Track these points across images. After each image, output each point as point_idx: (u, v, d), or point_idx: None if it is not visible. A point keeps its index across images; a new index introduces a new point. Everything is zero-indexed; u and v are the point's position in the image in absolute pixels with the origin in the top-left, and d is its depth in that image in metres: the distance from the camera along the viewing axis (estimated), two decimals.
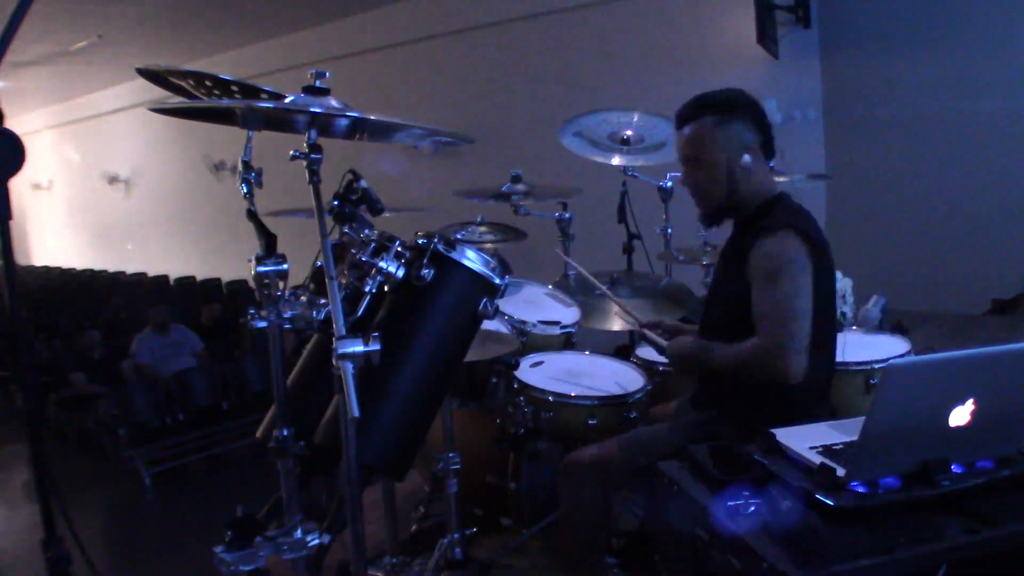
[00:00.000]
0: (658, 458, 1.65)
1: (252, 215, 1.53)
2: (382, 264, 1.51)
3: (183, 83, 1.67)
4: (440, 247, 1.54)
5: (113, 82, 10.89)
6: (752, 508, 1.23)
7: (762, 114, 1.87)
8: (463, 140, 1.91)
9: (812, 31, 5.05)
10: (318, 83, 1.51)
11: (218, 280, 10.37)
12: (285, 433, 1.50)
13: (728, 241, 1.98)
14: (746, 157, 1.82)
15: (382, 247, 1.53)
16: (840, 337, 2.63)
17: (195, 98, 1.69)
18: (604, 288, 2.48)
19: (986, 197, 4.54)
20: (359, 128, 1.68)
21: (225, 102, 1.62)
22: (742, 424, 1.73)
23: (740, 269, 1.79)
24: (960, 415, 1.21)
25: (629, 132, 3.10)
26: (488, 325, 2.42)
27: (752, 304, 1.73)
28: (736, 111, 1.84)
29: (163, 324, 6.22)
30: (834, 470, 1.22)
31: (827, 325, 1.81)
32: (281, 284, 1.49)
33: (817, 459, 1.28)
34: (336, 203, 1.57)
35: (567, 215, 3.32)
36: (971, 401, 1.21)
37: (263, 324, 1.50)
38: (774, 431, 1.41)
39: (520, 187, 3.16)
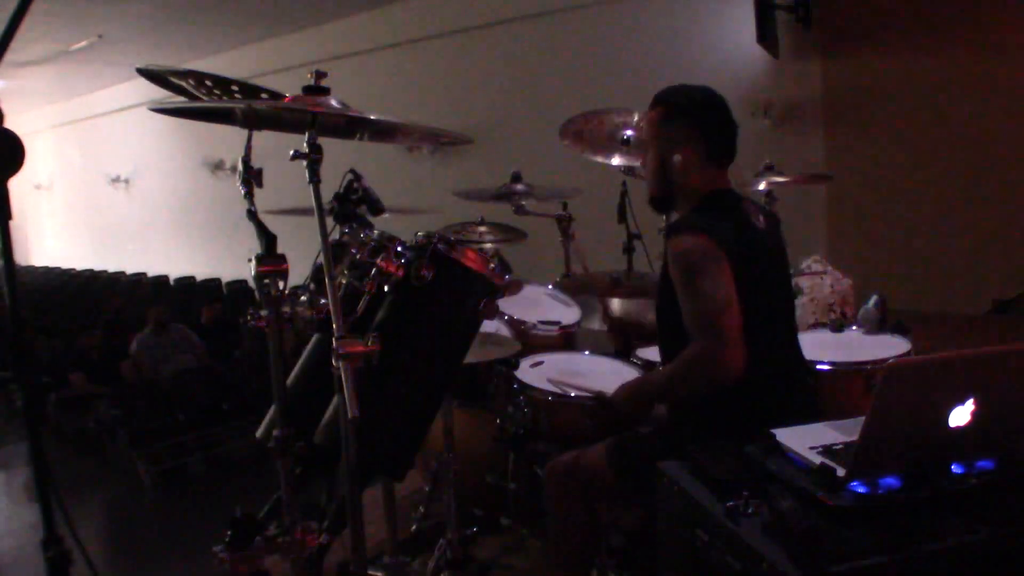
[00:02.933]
0: (642, 463, 1.65)
1: (252, 215, 1.53)
2: (382, 264, 1.51)
3: (183, 83, 1.67)
4: (440, 247, 1.54)
5: (113, 82, 10.89)
6: (752, 508, 1.23)
7: (715, 121, 1.89)
8: (463, 140, 1.91)
9: (812, 31, 5.05)
10: (318, 83, 1.51)
11: (218, 280, 10.37)
12: (285, 433, 1.50)
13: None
14: (676, 157, 1.86)
15: (382, 247, 1.54)
16: (840, 337, 2.66)
17: (195, 98, 1.70)
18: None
19: (986, 197, 4.54)
20: (359, 128, 1.69)
21: (225, 102, 1.62)
22: (718, 428, 1.70)
23: (665, 268, 1.84)
24: (960, 415, 1.21)
25: (629, 132, 3.10)
26: (488, 325, 2.43)
27: (681, 303, 1.75)
28: (683, 113, 1.89)
29: (163, 324, 6.22)
30: (834, 470, 1.22)
31: (763, 315, 1.79)
32: (281, 284, 1.49)
33: (817, 459, 1.28)
34: (336, 203, 1.58)
35: (567, 215, 3.32)
36: (971, 401, 1.20)
37: (263, 324, 1.50)
38: (774, 431, 1.41)
39: (520, 187, 3.16)
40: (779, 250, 1.94)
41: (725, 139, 1.90)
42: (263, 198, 1.57)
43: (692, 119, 1.88)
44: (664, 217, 3.28)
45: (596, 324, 2.91)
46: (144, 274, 11.82)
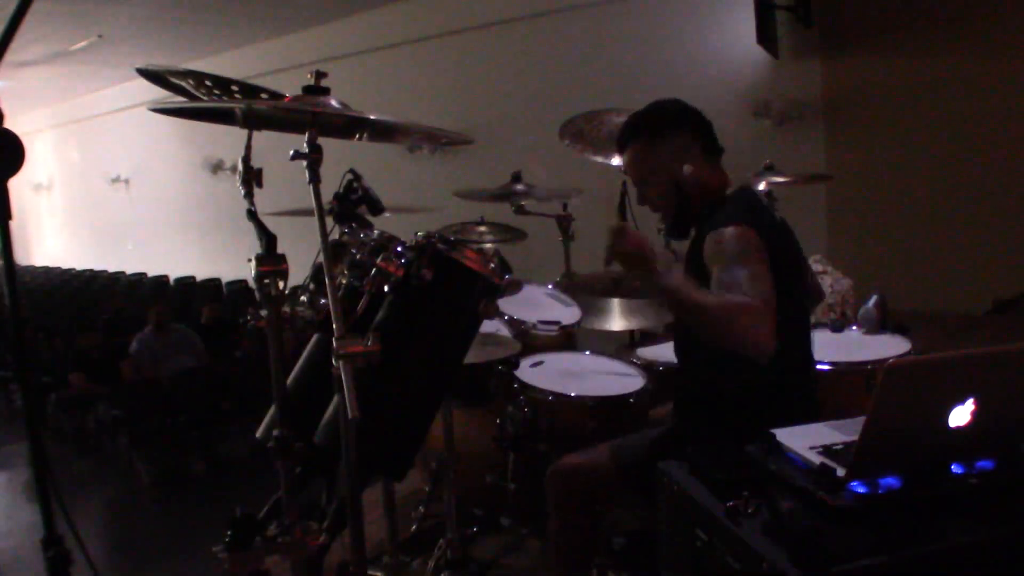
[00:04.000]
0: (647, 463, 1.64)
1: (252, 215, 1.53)
2: (382, 264, 1.51)
3: (183, 83, 1.67)
4: (440, 247, 1.54)
5: (113, 82, 10.89)
6: (752, 508, 1.23)
7: (696, 118, 1.87)
8: (463, 140, 1.91)
9: (812, 31, 5.05)
10: (318, 83, 1.51)
11: (218, 280, 10.37)
12: (285, 433, 1.50)
13: (689, 245, 1.93)
14: (685, 168, 1.82)
15: (382, 247, 1.54)
16: (840, 337, 2.66)
17: (195, 98, 1.69)
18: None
19: (986, 197, 4.54)
20: (359, 128, 1.69)
21: (225, 102, 1.62)
22: (723, 429, 1.70)
23: (700, 263, 1.74)
24: (960, 415, 1.21)
25: None
26: (488, 325, 2.43)
27: (717, 283, 1.62)
28: (665, 127, 1.85)
29: (163, 324, 6.22)
30: (834, 470, 1.22)
31: (793, 317, 1.74)
32: (281, 284, 1.49)
33: (817, 459, 1.28)
34: (336, 203, 1.58)
35: (567, 215, 3.31)
36: (971, 401, 1.20)
37: (263, 324, 1.50)
38: (774, 431, 1.41)
39: (520, 187, 3.16)
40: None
41: (710, 131, 1.88)
42: (263, 198, 1.57)
43: (676, 129, 1.85)
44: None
45: (596, 324, 2.91)
46: (144, 274, 11.82)
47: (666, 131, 1.85)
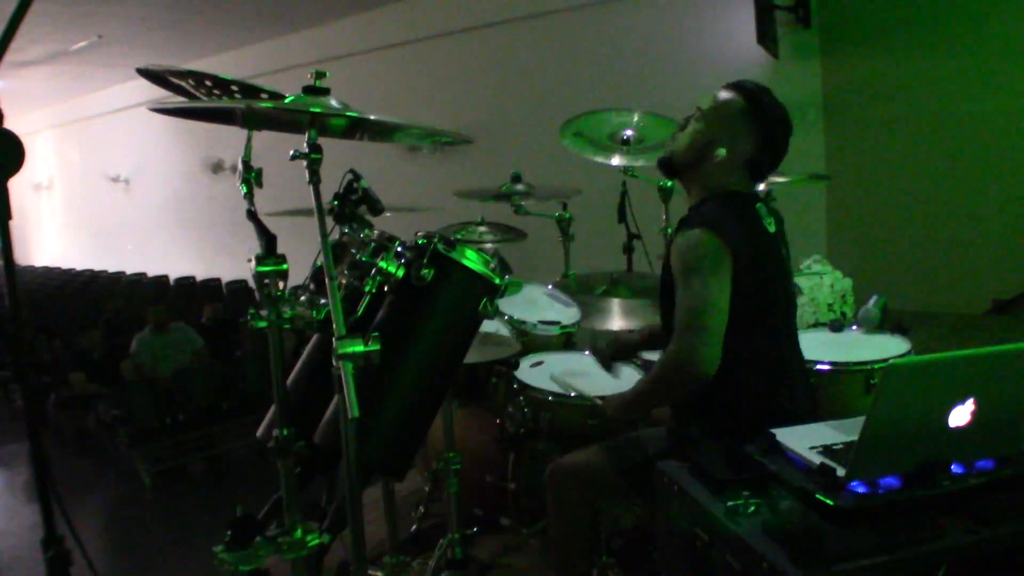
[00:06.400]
0: (647, 463, 1.65)
1: (252, 215, 1.53)
2: (382, 264, 1.51)
3: (183, 83, 1.67)
4: (440, 247, 1.54)
5: (113, 82, 10.90)
6: (752, 508, 1.23)
7: (780, 143, 1.86)
8: (463, 140, 1.91)
9: (812, 31, 5.05)
10: (318, 83, 1.50)
11: (218, 280, 10.37)
12: (285, 433, 1.50)
13: (668, 243, 1.99)
14: (721, 151, 1.82)
15: (382, 247, 1.54)
16: (840, 337, 2.66)
17: (195, 98, 1.69)
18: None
19: (986, 197, 4.54)
20: (359, 128, 1.68)
21: (225, 102, 1.62)
22: (717, 430, 1.70)
23: (668, 261, 1.83)
24: (960, 415, 1.21)
25: (629, 132, 3.09)
26: (488, 325, 2.42)
27: (678, 303, 1.73)
28: (761, 119, 1.83)
29: (163, 323, 6.21)
30: (834, 470, 1.22)
31: (766, 319, 1.79)
32: (281, 284, 1.49)
33: (817, 459, 1.28)
34: (336, 203, 1.57)
35: (567, 215, 3.32)
36: (971, 401, 1.21)
37: (263, 324, 1.50)
38: (774, 431, 1.41)
39: (520, 187, 3.15)
40: (785, 254, 1.93)
41: (775, 161, 1.87)
42: (263, 198, 1.57)
43: (764, 130, 1.83)
44: (664, 216, 3.30)
45: (596, 324, 2.91)
46: (144, 274, 11.82)
47: (756, 120, 1.83)
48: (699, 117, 1.88)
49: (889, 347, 2.49)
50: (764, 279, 1.77)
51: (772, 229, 1.86)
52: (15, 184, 1.21)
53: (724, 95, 1.87)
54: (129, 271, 12.19)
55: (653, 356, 2.63)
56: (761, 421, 1.47)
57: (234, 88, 1.66)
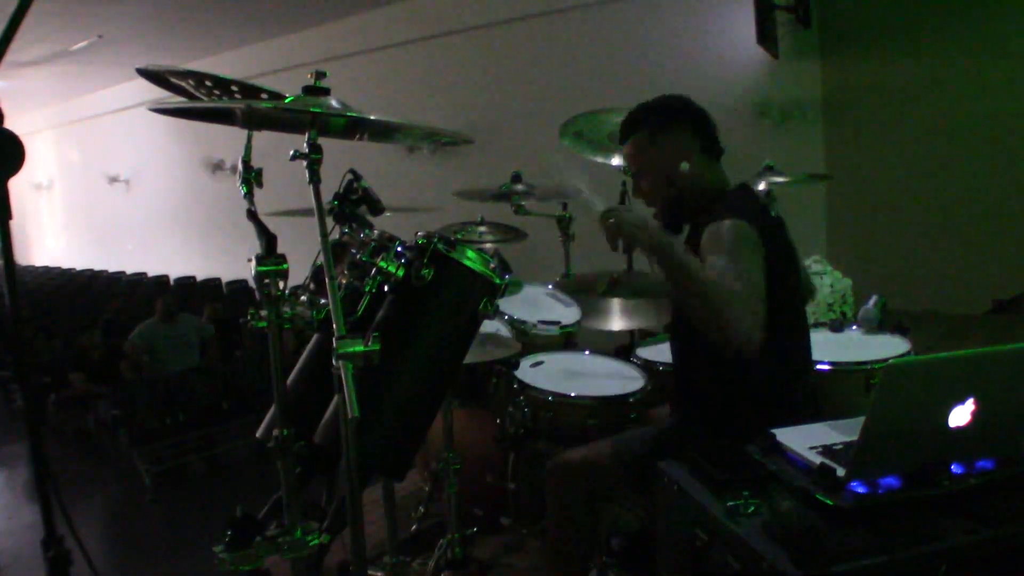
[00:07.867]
0: (647, 461, 1.64)
1: (252, 215, 1.53)
2: (382, 264, 1.51)
3: (183, 83, 1.67)
4: (440, 247, 1.54)
5: (113, 82, 10.89)
6: (752, 508, 1.23)
7: (699, 117, 1.88)
8: (463, 140, 1.91)
9: (812, 31, 5.05)
10: (318, 83, 1.51)
11: (218, 280, 10.36)
12: (285, 433, 1.50)
13: (685, 241, 1.92)
14: (684, 165, 1.83)
15: (382, 247, 1.54)
16: (840, 337, 2.66)
17: (195, 98, 1.69)
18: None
19: (986, 197, 4.54)
20: (359, 128, 1.69)
21: (225, 102, 1.62)
22: (721, 429, 1.70)
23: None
24: (960, 415, 1.21)
25: None
26: (488, 325, 2.43)
27: (711, 268, 1.59)
28: (669, 123, 1.86)
29: (171, 314, 6.13)
30: (834, 470, 1.22)
31: (787, 314, 1.74)
32: (281, 284, 1.49)
33: (817, 459, 1.28)
34: (336, 203, 1.57)
35: (567, 215, 3.32)
36: (971, 401, 1.21)
37: (263, 324, 1.50)
38: (774, 431, 1.41)
39: (520, 187, 3.16)
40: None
41: (712, 130, 1.89)
42: (263, 198, 1.57)
43: (680, 124, 1.86)
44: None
45: (596, 324, 2.91)
46: (144, 274, 11.81)
47: (668, 127, 1.86)
48: (636, 174, 1.92)
49: (889, 347, 2.49)
50: (787, 271, 1.78)
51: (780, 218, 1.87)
52: (15, 184, 1.21)
53: (628, 148, 1.92)
54: (129, 271, 12.18)
55: (651, 355, 2.64)
56: (764, 420, 1.46)
57: (234, 88, 1.66)
